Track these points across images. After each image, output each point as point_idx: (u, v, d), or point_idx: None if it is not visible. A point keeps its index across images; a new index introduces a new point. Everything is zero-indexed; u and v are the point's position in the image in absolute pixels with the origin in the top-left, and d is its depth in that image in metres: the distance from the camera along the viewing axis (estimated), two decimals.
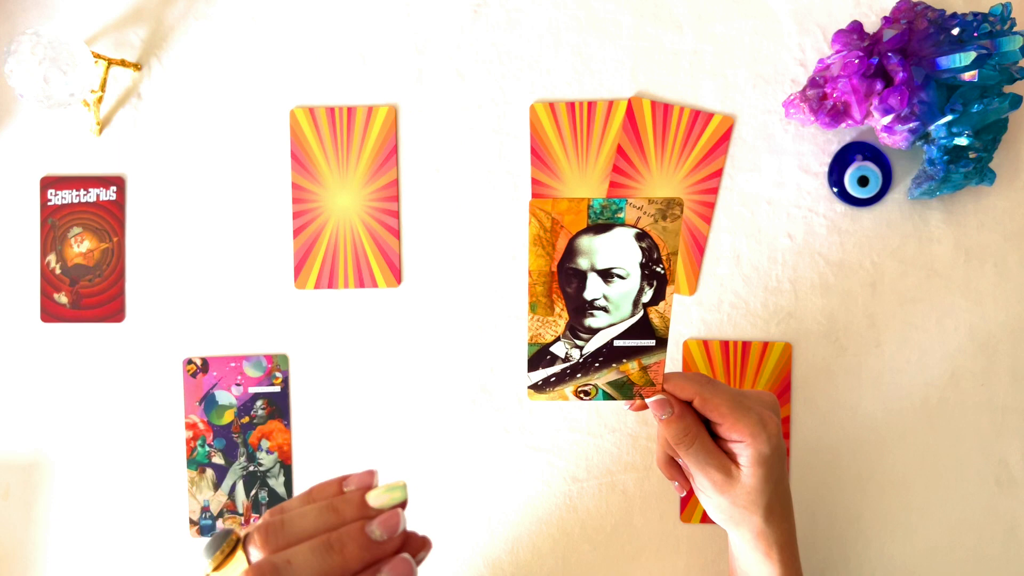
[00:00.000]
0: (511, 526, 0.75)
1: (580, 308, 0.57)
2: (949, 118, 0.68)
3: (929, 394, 0.74)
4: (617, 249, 0.55)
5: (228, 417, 0.75)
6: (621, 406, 0.74)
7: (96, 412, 0.75)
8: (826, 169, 0.74)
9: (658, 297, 0.57)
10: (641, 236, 0.55)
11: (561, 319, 0.57)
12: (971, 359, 0.74)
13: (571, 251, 0.56)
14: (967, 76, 0.67)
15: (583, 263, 0.56)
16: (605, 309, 0.57)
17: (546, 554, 0.75)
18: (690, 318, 0.74)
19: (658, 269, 0.56)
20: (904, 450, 0.74)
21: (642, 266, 0.56)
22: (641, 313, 0.57)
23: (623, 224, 0.55)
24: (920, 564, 0.74)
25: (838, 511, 0.74)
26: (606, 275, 0.56)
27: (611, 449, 0.74)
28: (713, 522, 0.74)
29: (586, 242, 0.55)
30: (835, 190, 0.74)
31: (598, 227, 0.55)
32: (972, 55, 0.66)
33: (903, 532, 0.74)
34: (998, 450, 0.74)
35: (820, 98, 0.70)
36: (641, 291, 0.57)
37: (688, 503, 0.74)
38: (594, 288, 0.57)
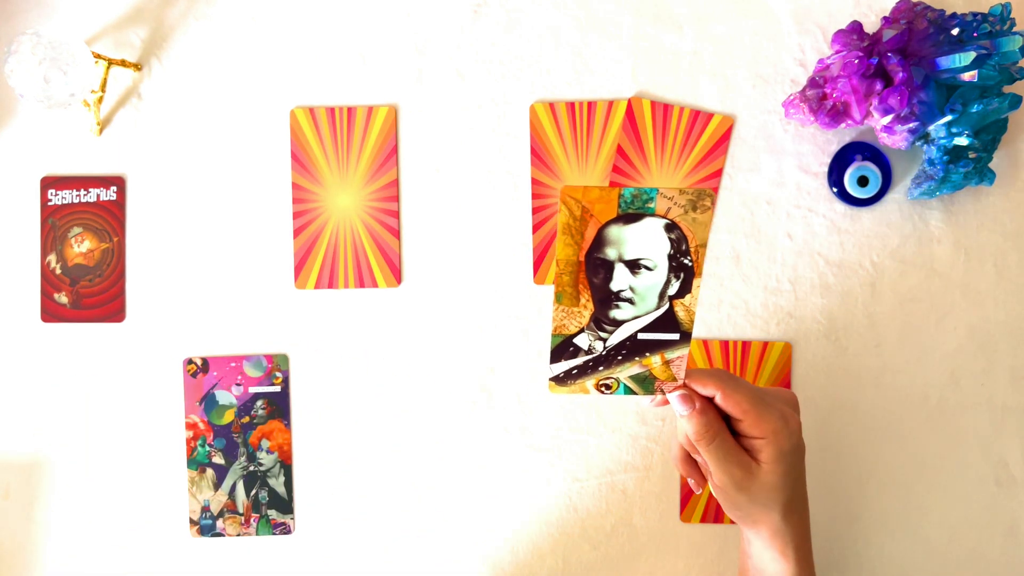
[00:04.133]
0: (511, 526, 0.75)
1: (606, 299, 0.56)
2: (949, 118, 0.68)
3: (929, 394, 0.74)
4: (646, 240, 0.55)
5: (228, 417, 0.75)
6: (624, 405, 0.74)
7: (96, 412, 0.75)
8: (826, 169, 0.74)
9: (684, 290, 0.56)
10: (671, 227, 0.55)
11: (586, 310, 0.57)
12: (971, 359, 0.74)
13: (599, 241, 0.55)
14: (967, 76, 0.67)
15: (611, 253, 0.55)
16: (631, 301, 0.56)
17: (546, 554, 0.75)
18: None
19: (686, 261, 0.55)
20: (904, 450, 0.74)
21: (670, 258, 0.55)
22: (667, 306, 0.57)
23: (653, 214, 0.54)
24: (920, 564, 0.74)
25: (838, 511, 0.74)
26: (633, 266, 0.56)
27: (611, 449, 0.74)
28: (713, 522, 0.74)
29: (615, 232, 0.55)
30: (835, 190, 0.74)
31: (627, 217, 0.54)
32: (972, 55, 0.66)
33: (903, 532, 0.74)
34: (998, 450, 0.74)
35: (820, 98, 0.70)
36: (668, 283, 0.56)
37: (688, 503, 0.74)
38: (621, 279, 0.56)
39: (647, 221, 0.54)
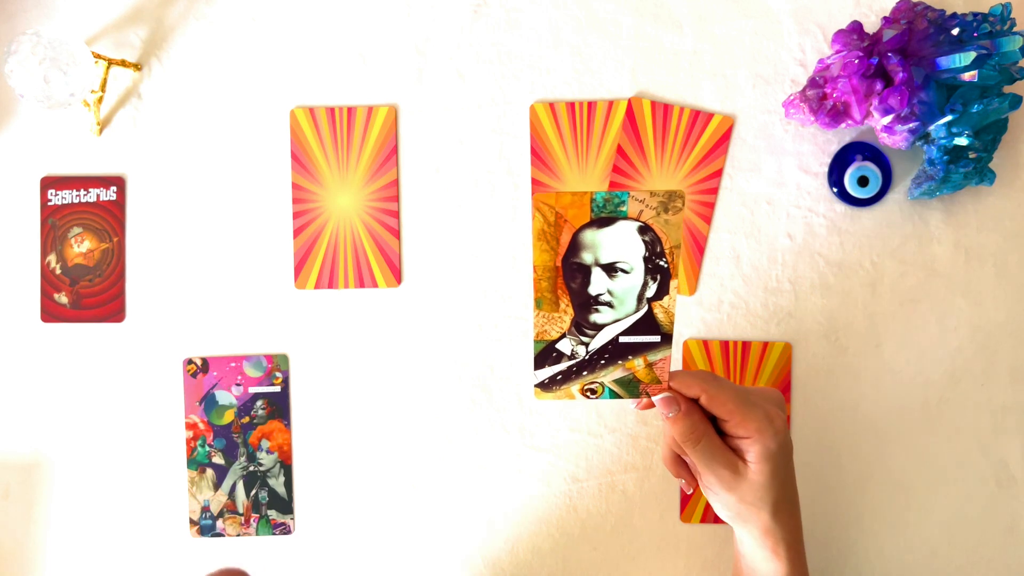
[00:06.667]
0: (511, 526, 0.75)
1: (585, 304, 0.57)
2: (949, 118, 0.68)
3: (929, 394, 0.74)
4: (620, 243, 0.55)
5: (228, 417, 0.75)
6: (624, 406, 0.74)
7: (96, 412, 0.75)
8: (826, 169, 0.74)
9: (662, 292, 0.57)
10: (644, 229, 0.55)
11: (566, 315, 0.57)
12: (971, 359, 0.74)
13: (575, 245, 0.55)
14: (967, 76, 0.67)
15: (587, 257, 0.56)
16: (610, 304, 0.57)
17: (546, 554, 0.75)
18: (690, 318, 0.74)
19: (661, 263, 0.56)
20: (904, 450, 0.74)
21: (645, 260, 0.56)
22: (645, 308, 0.57)
23: (626, 217, 0.55)
24: (920, 564, 0.74)
25: (838, 511, 0.74)
26: (610, 269, 0.56)
27: (611, 449, 0.74)
28: (713, 522, 0.74)
29: (590, 236, 0.55)
30: (835, 190, 0.74)
31: (601, 221, 0.55)
32: (972, 55, 0.66)
33: (903, 532, 0.74)
34: (998, 450, 0.74)
35: (820, 98, 0.70)
36: (645, 286, 0.57)
37: (688, 503, 0.74)
38: (598, 283, 0.56)
39: (620, 224, 0.55)
